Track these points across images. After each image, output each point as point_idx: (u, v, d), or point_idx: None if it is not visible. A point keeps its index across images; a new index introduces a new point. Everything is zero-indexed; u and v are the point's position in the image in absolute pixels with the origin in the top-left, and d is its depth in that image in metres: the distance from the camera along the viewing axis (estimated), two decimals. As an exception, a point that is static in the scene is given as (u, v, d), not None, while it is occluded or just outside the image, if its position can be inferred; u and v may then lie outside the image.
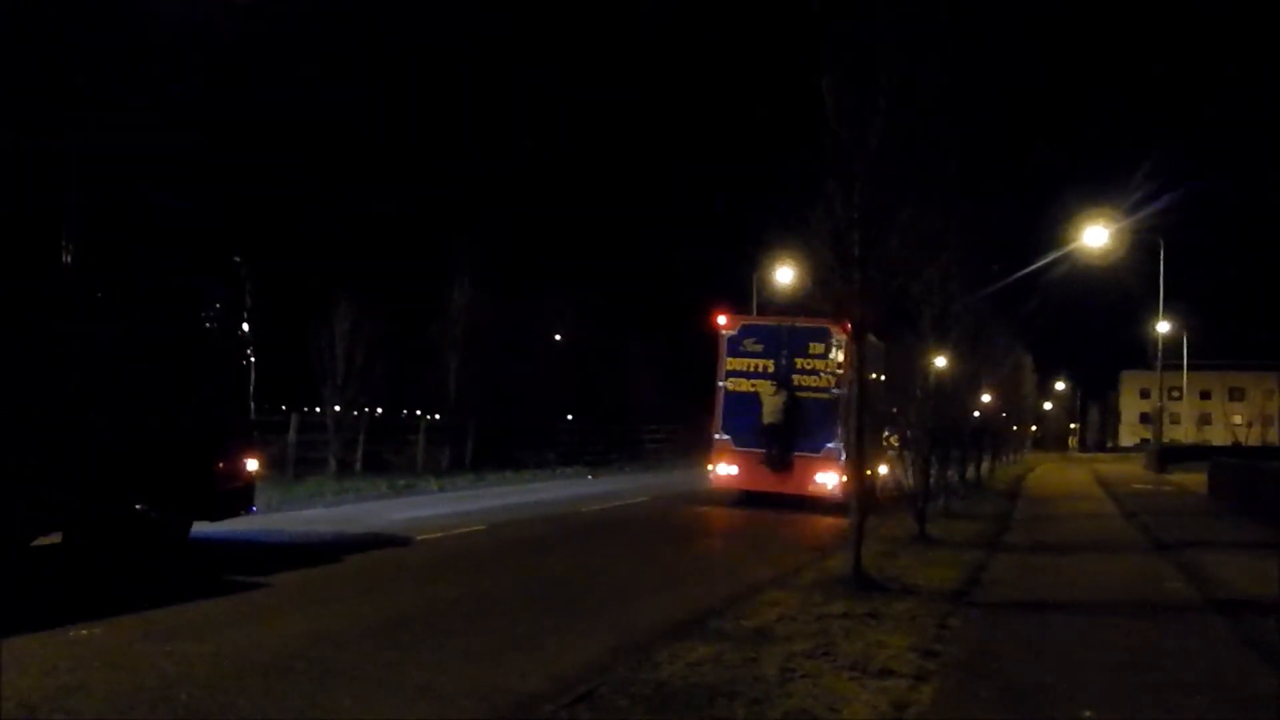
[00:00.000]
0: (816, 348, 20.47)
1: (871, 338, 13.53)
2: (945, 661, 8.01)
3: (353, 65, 76.67)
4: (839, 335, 15.54)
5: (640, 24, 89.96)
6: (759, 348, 21.20)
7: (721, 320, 22.00)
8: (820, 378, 20.43)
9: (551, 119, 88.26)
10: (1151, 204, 32.61)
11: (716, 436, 21.69)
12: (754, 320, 23.14)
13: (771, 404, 20.77)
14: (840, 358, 19.62)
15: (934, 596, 10.76)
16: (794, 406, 20.52)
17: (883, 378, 17.49)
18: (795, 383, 20.65)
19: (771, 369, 21.02)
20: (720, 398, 21.54)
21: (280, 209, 46.27)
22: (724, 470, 21.44)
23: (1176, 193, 32.94)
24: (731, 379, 21.39)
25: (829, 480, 19.87)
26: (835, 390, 19.65)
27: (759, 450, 20.76)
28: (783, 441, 20.52)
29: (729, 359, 21.47)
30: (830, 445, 19.92)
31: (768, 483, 20.76)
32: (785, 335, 20.81)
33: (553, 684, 7.17)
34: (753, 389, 21.09)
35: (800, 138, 11.38)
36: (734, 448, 21.25)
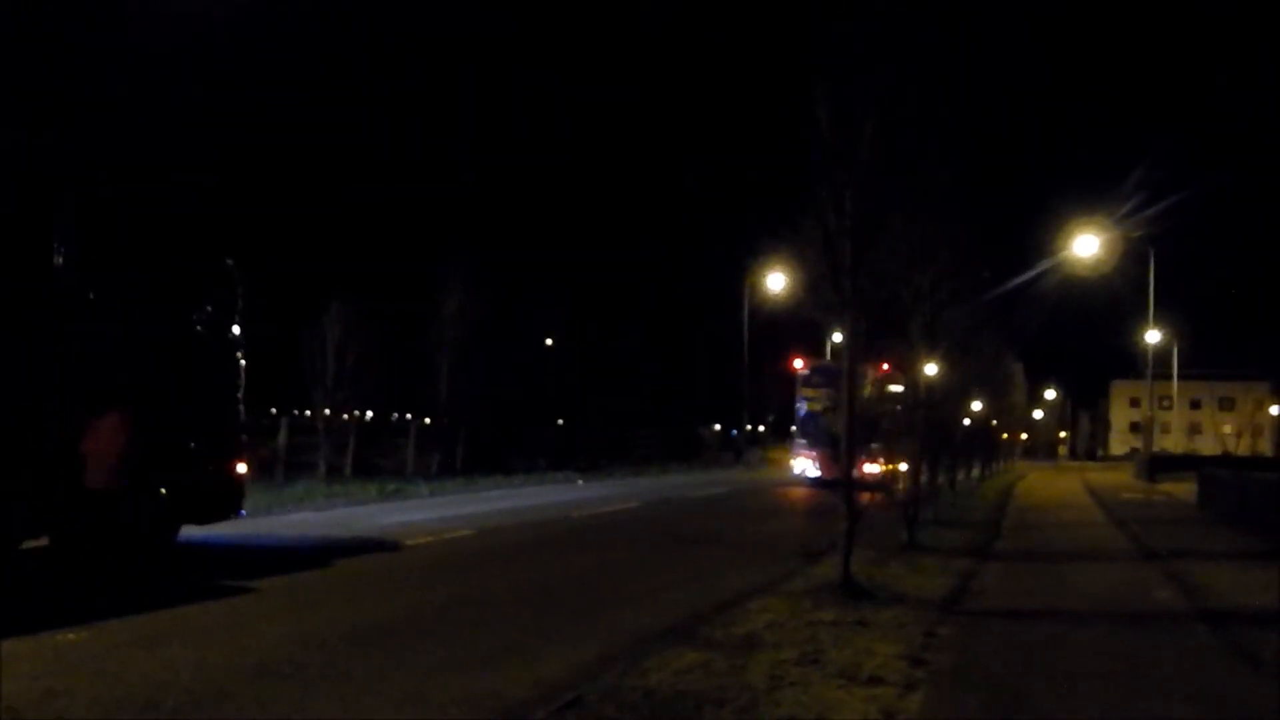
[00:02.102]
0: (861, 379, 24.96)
1: (886, 368, 17.55)
2: (933, 670, 8.00)
3: (353, 65, 76.63)
4: (872, 371, 18.15)
5: (640, 24, 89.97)
6: (823, 380, 30.50)
7: (798, 363, 33.18)
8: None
9: (552, 119, 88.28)
10: (1142, 212, 32.81)
11: (797, 441, 32.76)
12: (819, 362, 32.83)
13: (836, 419, 26.49)
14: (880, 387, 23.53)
15: (923, 604, 10.75)
16: None
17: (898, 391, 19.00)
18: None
19: (834, 394, 28.00)
20: (799, 416, 32.55)
21: (274, 208, 46.18)
22: (802, 465, 31.79)
23: (1168, 200, 32.99)
24: (807, 402, 31.89)
25: (874, 468, 23.36)
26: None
27: (828, 450, 27.74)
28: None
29: (804, 389, 32.25)
30: (874, 445, 23.58)
31: (834, 472, 26.96)
32: (840, 371, 27.06)
33: (540, 690, 7.15)
34: (821, 409, 30.36)
35: (794, 142, 11.37)
36: (809, 449, 31.25)
